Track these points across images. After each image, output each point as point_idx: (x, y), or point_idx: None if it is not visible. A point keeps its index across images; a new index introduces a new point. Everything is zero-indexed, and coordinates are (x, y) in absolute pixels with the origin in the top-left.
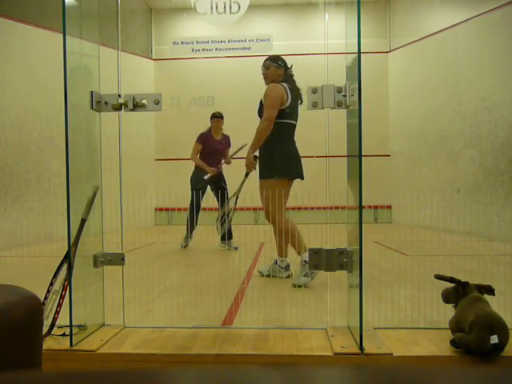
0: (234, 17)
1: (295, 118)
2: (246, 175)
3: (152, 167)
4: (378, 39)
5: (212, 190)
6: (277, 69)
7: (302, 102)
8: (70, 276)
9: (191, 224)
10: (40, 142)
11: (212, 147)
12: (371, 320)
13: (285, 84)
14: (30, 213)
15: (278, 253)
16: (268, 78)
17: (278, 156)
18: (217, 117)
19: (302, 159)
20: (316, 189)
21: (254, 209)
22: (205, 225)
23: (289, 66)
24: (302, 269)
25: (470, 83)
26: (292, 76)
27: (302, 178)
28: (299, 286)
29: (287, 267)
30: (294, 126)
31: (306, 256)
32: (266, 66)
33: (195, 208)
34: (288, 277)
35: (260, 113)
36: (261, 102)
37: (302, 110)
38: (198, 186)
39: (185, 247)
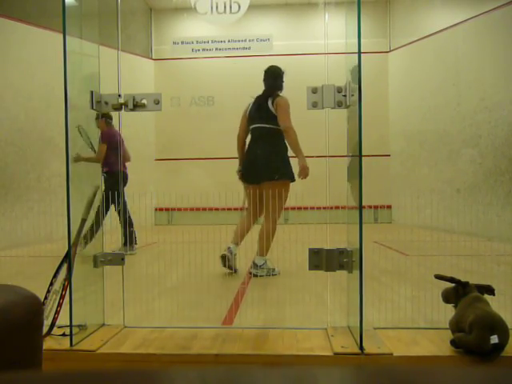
0: (233, 17)
1: (252, 122)
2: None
3: (152, 167)
4: (377, 39)
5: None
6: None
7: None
8: (70, 276)
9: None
10: (40, 141)
11: None
12: (371, 320)
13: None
14: (30, 213)
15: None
16: None
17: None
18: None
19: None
20: (316, 189)
21: None
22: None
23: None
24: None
25: (469, 83)
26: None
27: (249, 182)
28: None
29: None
30: (254, 129)
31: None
32: None
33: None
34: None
35: None
36: None
37: (303, 109)
38: None
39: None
